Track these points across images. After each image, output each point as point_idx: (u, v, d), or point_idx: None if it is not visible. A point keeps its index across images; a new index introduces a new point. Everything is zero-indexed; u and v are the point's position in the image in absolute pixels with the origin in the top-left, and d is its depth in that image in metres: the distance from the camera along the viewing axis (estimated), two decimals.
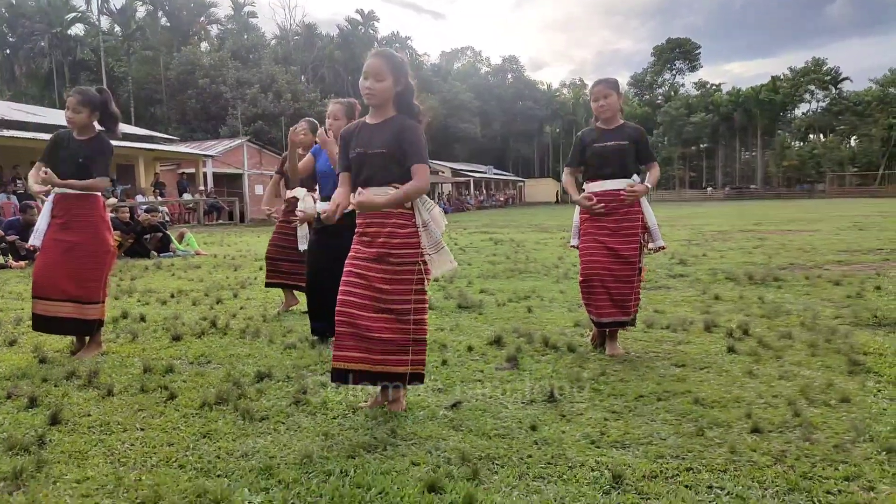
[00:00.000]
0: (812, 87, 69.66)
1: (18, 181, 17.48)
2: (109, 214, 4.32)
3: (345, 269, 2.78)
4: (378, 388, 2.89)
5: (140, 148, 22.81)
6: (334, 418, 2.76)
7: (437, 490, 2.06)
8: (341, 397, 3.00)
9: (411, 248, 2.73)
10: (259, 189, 28.06)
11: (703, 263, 8.29)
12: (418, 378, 2.83)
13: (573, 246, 4.06)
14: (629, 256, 3.79)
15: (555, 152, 75.30)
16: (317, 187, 4.51)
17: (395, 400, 2.84)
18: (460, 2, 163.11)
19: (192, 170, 26.88)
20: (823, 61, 69.42)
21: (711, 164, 75.45)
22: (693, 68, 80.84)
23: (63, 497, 2.04)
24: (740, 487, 2.07)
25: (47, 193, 3.87)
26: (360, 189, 2.69)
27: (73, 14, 50.98)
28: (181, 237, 12.12)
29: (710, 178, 74.54)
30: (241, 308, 5.62)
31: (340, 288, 2.75)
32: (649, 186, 3.84)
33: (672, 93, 79.10)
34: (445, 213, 2.84)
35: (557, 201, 58.32)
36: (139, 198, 19.98)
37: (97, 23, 49.93)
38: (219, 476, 2.20)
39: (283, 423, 2.71)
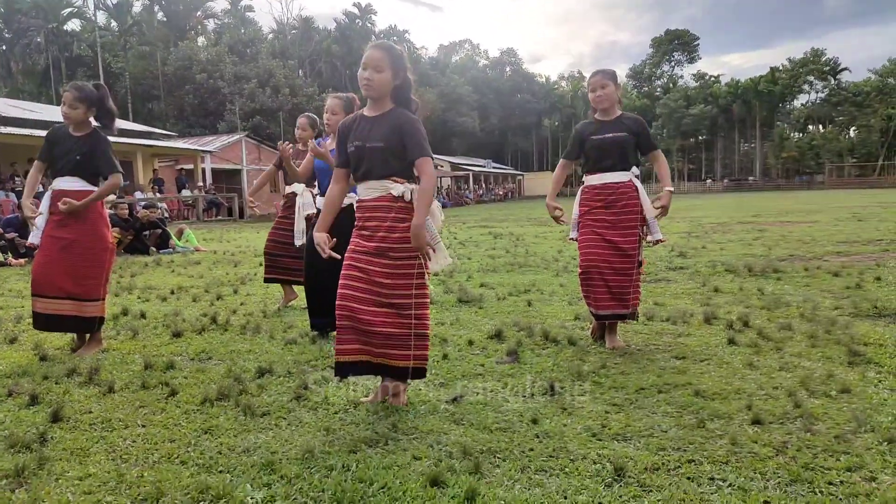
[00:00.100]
0: (811, 78, 69.54)
1: (17, 178, 17.46)
2: (108, 211, 4.31)
3: (344, 263, 2.78)
4: (379, 383, 2.89)
5: (138, 144, 22.74)
6: (336, 413, 2.76)
7: (439, 484, 2.06)
8: (342, 392, 3.00)
9: (411, 241, 2.72)
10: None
11: (702, 255, 8.29)
12: (420, 373, 2.83)
13: (572, 239, 4.06)
14: (628, 249, 3.78)
15: (553, 145, 75.16)
16: (315, 183, 4.50)
17: (396, 394, 2.84)
18: None
19: (191, 166, 26.84)
20: (822, 52, 69.30)
21: (710, 155, 75.41)
22: (692, 60, 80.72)
23: (65, 494, 2.05)
24: (742, 479, 2.08)
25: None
26: (416, 222, 2.62)
27: (69, 9, 50.75)
28: (180, 233, 12.11)
29: (709, 169, 74.52)
30: (242, 304, 5.62)
31: (340, 282, 2.75)
32: (671, 190, 3.86)
33: (671, 85, 78.94)
34: (444, 207, 2.85)
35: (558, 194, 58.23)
36: (138, 194, 19.95)
37: (93, 18, 49.77)
38: (221, 472, 2.20)
39: (285, 418, 2.71)
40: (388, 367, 2.76)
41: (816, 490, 2.01)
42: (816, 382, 3.00)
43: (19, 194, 15.34)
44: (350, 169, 2.87)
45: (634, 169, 3.86)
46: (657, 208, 3.85)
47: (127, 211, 11.58)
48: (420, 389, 3.03)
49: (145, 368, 3.47)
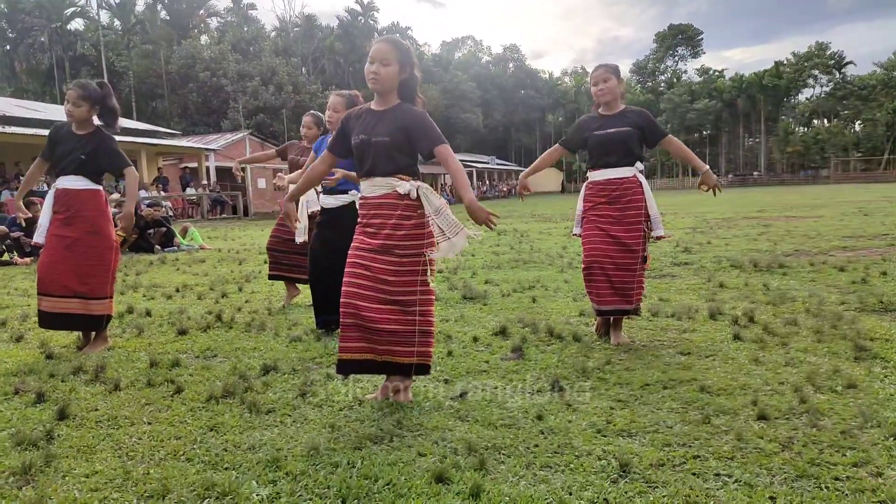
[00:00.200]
0: (816, 72, 69.20)
1: (21, 178, 17.50)
2: (112, 210, 4.32)
3: (348, 261, 2.78)
4: (383, 380, 2.89)
5: (142, 143, 22.80)
6: (340, 410, 2.76)
7: (444, 480, 2.06)
8: (347, 389, 3.01)
9: (416, 239, 2.73)
10: (262, 182, 28.01)
11: (707, 251, 8.27)
12: (424, 369, 2.83)
13: (576, 234, 4.05)
14: (631, 244, 3.77)
15: (557, 141, 74.92)
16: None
17: (401, 391, 2.84)
18: None
19: (195, 164, 26.88)
20: (827, 45, 68.95)
21: (715, 150, 75.14)
22: (695, 55, 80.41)
23: (72, 491, 2.05)
24: (748, 475, 2.07)
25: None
26: (467, 203, 2.63)
27: (73, 9, 50.85)
28: (185, 232, 12.13)
29: (714, 164, 74.19)
30: (246, 301, 5.63)
31: (344, 279, 2.75)
32: (707, 167, 3.84)
33: (675, 80, 78.70)
34: (449, 203, 2.84)
35: (563, 190, 58.26)
36: (142, 193, 19.99)
37: (97, 17, 49.83)
38: (226, 469, 2.20)
39: (290, 415, 2.71)
40: (392, 364, 2.76)
41: (822, 486, 2.00)
42: (822, 378, 2.99)
43: None
44: (337, 154, 2.93)
45: (639, 164, 3.84)
46: (706, 191, 3.80)
47: None
48: (425, 386, 3.03)
49: (151, 366, 3.48)
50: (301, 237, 4.72)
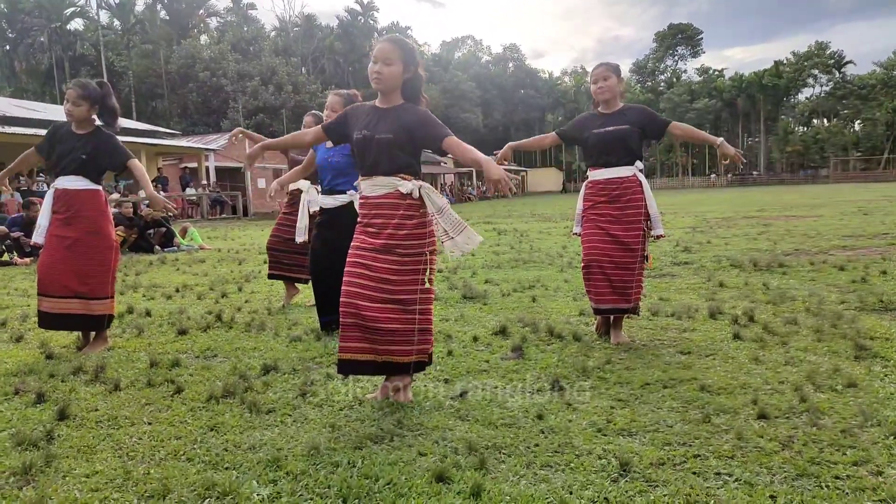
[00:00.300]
0: (815, 72, 69.19)
1: (21, 178, 17.50)
2: (112, 210, 4.32)
3: (348, 260, 2.78)
4: (383, 379, 2.89)
5: (142, 143, 22.78)
6: (341, 410, 2.76)
7: (444, 480, 2.06)
8: (347, 389, 3.01)
9: (418, 238, 2.73)
10: (262, 182, 28.01)
11: (707, 250, 8.27)
12: (422, 366, 2.84)
13: (576, 234, 4.05)
14: (630, 243, 3.77)
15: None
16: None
17: (400, 390, 2.84)
18: None
19: (195, 164, 26.87)
20: (827, 45, 68.96)
21: (714, 150, 75.00)
22: (695, 54, 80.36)
23: (72, 491, 2.05)
24: (748, 474, 2.07)
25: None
26: (486, 167, 2.57)
27: (72, 9, 50.86)
28: (184, 232, 12.13)
29: (713, 164, 74.23)
30: (246, 301, 5.63)
31: (344, 279, 2.75)
32: (721, 139, 3.81)
33: (674, 79, 78.67)
34: (451, 203, 2.84)
35: (564, 190, 58.29)
36: (142, 194, 19.99)
37: (96, 17, 49.83)
38: (227, 468, 2.20)
39: (290, 415, 2.71)
40: (392, 364, 2.76)
41: (823, 484, 2.00)
42: (822, 377, 2.99)
43: (24, 193, 15.39)
44: (329, 135, 2.94)
45: (638, 163, 3.84)
46: (727, 163, 3.77)
47: (131, 209, 11.61)
48: (425, 386, 3.04)
49: (151, 366, 3.48)
50: (301, 237, 4.72)
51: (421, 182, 2.76)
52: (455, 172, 47.80)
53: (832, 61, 68.27)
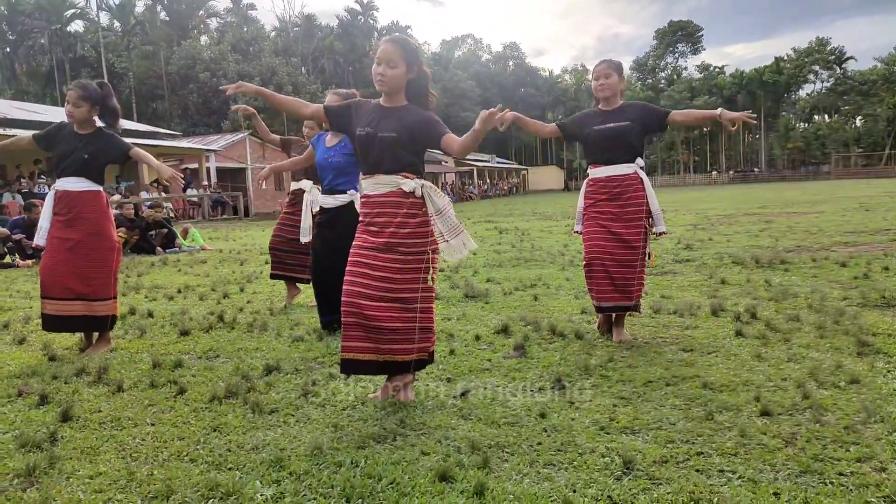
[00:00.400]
0: (816, 68, 69.11)
1: (22, 180, 17.55)
2: (114, 211, 4.32)
3: (350, 260, 2.78)
4: (385, 379, 2.89)
5: (143, 144, 22.72)
6: (343, 410, 2.77)
7: (447, 479, 2.06)
8: (350, 389, 3.01)
9: (421, 237, 2.73)
10: (263, 183, 28.02)
11: (709, 248, 8.26)
12: (423, 364, 2.84)
13: (577, 232, 4.05)
14: (632, 241, 3.77)
15: (557, 139, 74.74)
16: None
17: (402, 389, 2.84)
18: None
19: (196, 165, 26.87)
20: (827, 41, 68.85)
21: (715, 147, 75.09)
22: (695, 51, 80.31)
23: (76, 493, 2.06)
24: (751, 471, 2.07)
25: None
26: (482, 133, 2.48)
27: (72, 10, 50.88)
28: (186, 233, 12.14)
29: (714, 161, 74.20)
30: (248, 302, 5.63)
31: (346, 279, 2.75)
32: (721, 109, 3.67)
33: (675, 76, 78.60)
34: (451, 202, 2.84)
35: (566, 188, 58.27)
36: (143, 194, 20.01)
37: (96, 18, 49.84)
38: (230, 469, 2.21)
39: (293, 415, 2.71)
40: (394, 363, 2.76)
41: (826, 481, 2.00)
42: (825, 373, 2.99)
43: (25, 195, 15.43)
44: (328, 114, 2.90)
45: (639, 160, 3.84)
46: (734, 128, 3.62)
47: (132, 211, 11.62)
48: (427, 385, 3.04)
49: (153, 367, 3.48)
50: (306, 237, 4.73)
51: (423, 181, 2.76)
52: (456, 171, 47.79)
53: (833, 57, 68.17)
